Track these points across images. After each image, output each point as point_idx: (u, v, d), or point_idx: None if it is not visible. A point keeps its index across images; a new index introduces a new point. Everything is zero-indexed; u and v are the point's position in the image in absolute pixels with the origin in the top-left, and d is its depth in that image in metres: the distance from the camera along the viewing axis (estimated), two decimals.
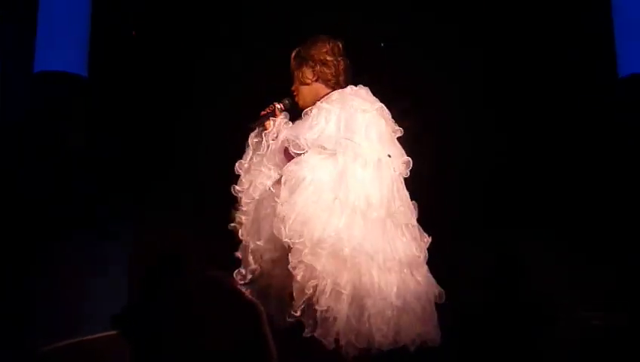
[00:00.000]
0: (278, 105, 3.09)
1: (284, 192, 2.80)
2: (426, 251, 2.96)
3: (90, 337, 2.80)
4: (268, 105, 3.10)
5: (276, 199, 2.80)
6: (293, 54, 3.15)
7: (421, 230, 2.97)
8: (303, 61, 3.11)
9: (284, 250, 2.78)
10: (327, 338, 2.70)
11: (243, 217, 2.98)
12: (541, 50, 4.06)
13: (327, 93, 3.07)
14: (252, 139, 3.08)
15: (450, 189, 3.81)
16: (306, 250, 2.71)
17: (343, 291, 2.69)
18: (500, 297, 3.31)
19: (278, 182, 2.89)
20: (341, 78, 3.09)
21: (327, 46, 3.11)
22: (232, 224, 3.01)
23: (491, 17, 4.06)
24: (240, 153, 3.14)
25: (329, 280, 2.69)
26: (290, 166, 2.87)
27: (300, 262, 2.71)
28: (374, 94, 3.10)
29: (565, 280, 3.73)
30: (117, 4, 3.80)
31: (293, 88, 3.13)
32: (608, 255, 3.75)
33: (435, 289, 2.94)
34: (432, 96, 3.98)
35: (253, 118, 3.11)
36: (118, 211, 3.66)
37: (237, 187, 3.02)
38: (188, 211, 3.83)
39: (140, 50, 3.87)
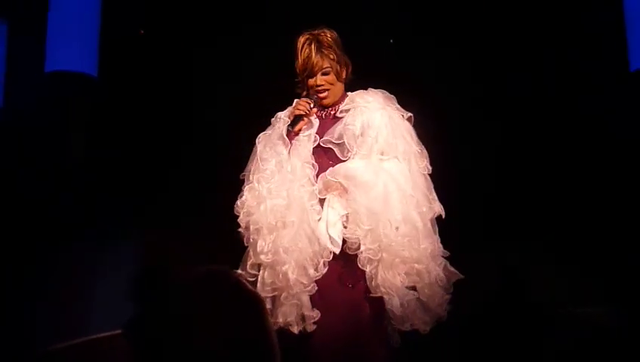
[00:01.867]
0: (310, 103, 2.90)
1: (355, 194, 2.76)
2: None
3: (93, 337, 2.84)
4: (297, 103, 2.92)
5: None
6: (314, 44, 2.91)
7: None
8: (339, 56, 2.93)
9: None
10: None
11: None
12: (550, 47, 4.02)
13: (345, 93, 2.97)
14: (271, 140, 2.95)
15: (450, 193, 3.81)
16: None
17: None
18: (500, 299, 3.32)
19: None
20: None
21: (339, 40, 2.96)
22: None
23: (499, 12, 4.03)
24: (246, 154, 3.15)
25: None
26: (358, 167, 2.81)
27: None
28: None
29: (564, 280, 3.73)
30: (126, 4, 3.81)
31: (321, 82, 2.90)
32: (611, 254, 3.75)
33: None
34: (433, 102, 3.97)
35: (262, 119, 3.09)
36: (122, 213, 3.69)
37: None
38: (192, 213, 3.85)
39: (149, 49, 3.88)
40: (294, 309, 2.73)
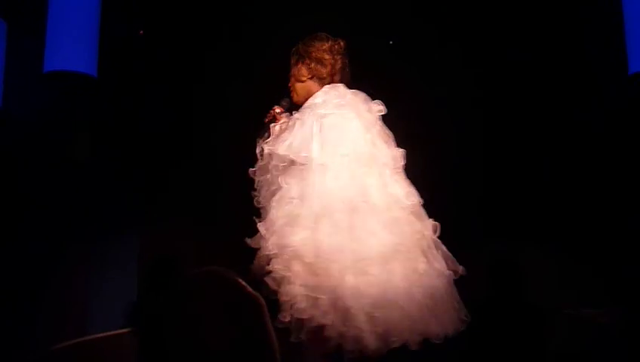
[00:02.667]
0: (277, 110, 3.09)
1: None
2: (431, 237, 2.90)
3: (98, 336, 2.83)
4: (268, 112, 3.09)
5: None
6: (292, 50, 3.15)
7: (422, 215, 2.93)
8: (299, 58, 3.11)
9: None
10: (313, 344, 2.71)
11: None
12: (550, 49, 4.03)
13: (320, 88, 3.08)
14: (259, 148, 3.04)
15: (447, 191, 3.81)
16: (277, 259, 2.73)
17: (319, 296, 2.67)
18: (497, 298, 3.31)
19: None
20: (336, 77, 3.10)
21: (326, 44, 3.11)
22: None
23: (498, 14, 4.04)
24: (247, 153, 3.15)
25: (301, 287, 2.69)
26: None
27: (272, 270, 2.73)
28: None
29: (561, 279, 3.73)
30: (125, 4, 3.80)
31: (289, 85, 3.13)
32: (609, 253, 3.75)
33: (441, 278, 2.84)
34: (430, 100, 3.97)
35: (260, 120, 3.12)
36: (125, 210, 3.68)
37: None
38: (195, 211, 3.84)
39: (148, 49, 3.88)
40: None
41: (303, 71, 3.10)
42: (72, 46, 3.63)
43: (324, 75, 3.08)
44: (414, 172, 3.02)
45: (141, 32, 3.82)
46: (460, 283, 2.95)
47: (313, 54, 3.08)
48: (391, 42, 4.06)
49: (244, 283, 1.53)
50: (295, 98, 3.13)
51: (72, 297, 3.41)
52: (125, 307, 2.94)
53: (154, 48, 3.87)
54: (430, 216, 2.98)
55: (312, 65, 3.08)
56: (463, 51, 4.02)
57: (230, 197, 3.66)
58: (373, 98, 3.08)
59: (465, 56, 4.02)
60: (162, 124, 3.87)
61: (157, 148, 3.86)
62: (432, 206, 3.01)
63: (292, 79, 3.14)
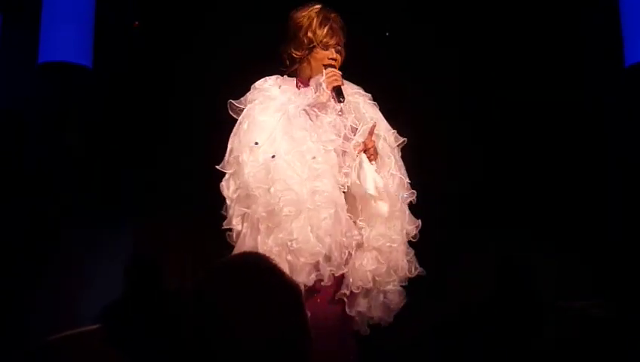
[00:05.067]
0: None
1: None
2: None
3: (92, 327, 2.82)
4: (332, 73, 2.88)
5: None
6: (338, 21, 2.95)
7: None
8: (344, 39, 2.98)
9: None
10: None
11: None
12: (545, 42, 4.03)
13: None
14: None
15: (447, 186, 3.81)
16: None
17: None
18: (499, 292, 3.31)
19: None
20: None
21: None
22: None
23: (492, 7, 4.04)
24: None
25: None
26: None
27: None
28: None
29: (560, 272, 3.73)
30: None
31: (336, 57, 2.92)
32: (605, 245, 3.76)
33: None
34: (424, 94, 3.97)
35: None
36: (120, 203, 3.67)
37: None
38: (191, 205, 3.83)
39: (144, 40, 3.86)
40: None
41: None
42: (66, 37, 3.63)
43: None
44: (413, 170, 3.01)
45: (136, 23, 3.80)
46: (459, 277, 2.96)
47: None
48: (387, 34, 4.05)
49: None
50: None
51: (65, 290, 3.40)
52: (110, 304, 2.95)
53: (150, 39, 3.84)
54: (425, 215, 3.00)
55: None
56: (455, 45, 3.99)
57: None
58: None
59: (459, 50, 4.01)
60: (159, 116, 3.85)
61: (153, 140, 3.84)
62: (426, 206, 3.01)
63: (340, 55, 2.95)
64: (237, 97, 3.20)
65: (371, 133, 2.84)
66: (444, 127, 3.95)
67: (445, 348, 2.95)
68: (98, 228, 3.51)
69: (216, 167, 2.81)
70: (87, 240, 3.50)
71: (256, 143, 2.71)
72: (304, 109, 2.82)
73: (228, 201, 2.78)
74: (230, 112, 2.89)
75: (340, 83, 2.85)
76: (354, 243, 2.73)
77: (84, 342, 2.76)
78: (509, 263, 3.41)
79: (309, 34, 2.91)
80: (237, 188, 2.76)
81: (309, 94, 2.86)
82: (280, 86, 2.91)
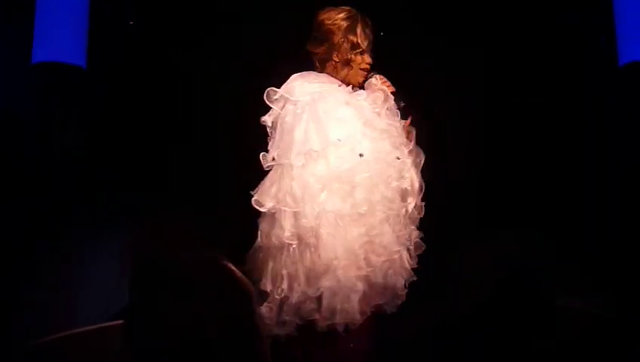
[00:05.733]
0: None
1: None
2: None
3: (87, 328, 2.79)
4: (381, 80, 3.01)
5: None
6: (370, 25, 3.02)
7: None
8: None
9: None
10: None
11: None
12: (538, 42, 4.04)
13: None
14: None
15: (446, 185, 3.80)
16: None
17: None
18: (499, 291, 3.30)
19: None
20: None
21: None
22: None
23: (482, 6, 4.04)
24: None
25: None
26: None
27: None
28: None
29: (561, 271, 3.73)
30: None
31: (371, 61, 3.03)
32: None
33: None
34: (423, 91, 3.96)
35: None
36: (117, 203, 3.63)
37: None
38: (189, 204, 3.80)
39: (139, 40, 3.83)
40: None
41: None
42: (60, 37, 3.58)
43: None
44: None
45: (131, 22, 3.76)
46: (458, 276, 2.94)
47: None
48: (382, 33, 4.04)
49: (234, 268, 1.49)
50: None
51: (60, 290, 3.36)
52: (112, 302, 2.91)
53: (145, 39, 3.81)
54: (425, 215, 3.01)
55: None
56: (450, 41, 3.99)
57: (226, 190, 3.63)
58: None
59: (453, 46, 4.00)
60: (154, 115, 3.81)
61: (150, 139, 3.80)
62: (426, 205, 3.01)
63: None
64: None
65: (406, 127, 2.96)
66: (442, 127, 3.94)
67: (445, 348, 2.94)
68: (97, 228, 3.47)
69: (268, 163, 2.85)
70: (85, 240, 3.47)
71: (339, 140, 2.76)
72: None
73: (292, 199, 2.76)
74: (266, 100, 2.87)
75: (394, 89, 2.96)
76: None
77: (81, 343, 2.72)
78: (510, 263, 3.40)
79: (351, 37, 2.94)
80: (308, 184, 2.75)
81: (371, 98, 2.88)
82: (324, 83, 2.95)
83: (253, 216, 2.92)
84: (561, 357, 3.07)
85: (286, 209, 2.72)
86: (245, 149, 3.12)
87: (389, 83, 2.96)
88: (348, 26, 2.94)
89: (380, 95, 2.92)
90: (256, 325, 1.43)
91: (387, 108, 2.93)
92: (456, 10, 4.04)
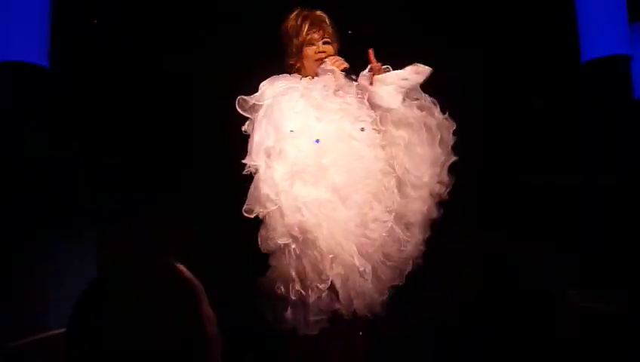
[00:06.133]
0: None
1: None
2: None
3: (58, 331, 2.74)
4: (334, 60, 3.04)
5: None
6: (315, 18, 3.09)
7: None
8: (333, 32, 3.13)
9: None
10: None
11: None
12: (501, 39, 4.08)
13: None
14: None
15: None
16: None
17: None
18: (490, 288, 3.32)
19: None
20: None
21: None
22: None
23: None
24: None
25: None
26: None
27: None
28: None
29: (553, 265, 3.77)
30: None
31: (324, 49, 3.07)
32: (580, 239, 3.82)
33: None
34: None
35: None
36: (84, 206, 3.58)
37: None
38: (156, 207, 3.75)
39: (104, 40, 3.77)
40: None
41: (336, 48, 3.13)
42: (20, 36, 3.50)
43: None
44: None
45: (95, 20, 3.70)
46: (450, 273, 2.96)
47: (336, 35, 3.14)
48: (350, 32, 4.04)
49: (180, 267, 1.46)
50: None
51: (30, 293, 3.29)
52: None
53: (109, 37, 3.75)
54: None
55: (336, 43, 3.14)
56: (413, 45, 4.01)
57: (193, 193, 3.61)
58: None
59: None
60: (122, 118, 3.76)
61: (116, 141, 3.75)
62: None
63: (331, 47, 3.10)
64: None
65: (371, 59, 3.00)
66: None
67: (443, 348, 2.96)
68: (61, 231, 3.42)
69: (244, 161, 2.86)
70: (50, 244, 3.40)
71: (292, 131, 2.81)
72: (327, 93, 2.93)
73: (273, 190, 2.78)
74: (239, 109, 2.91)
75: (346, 65, 3.00)
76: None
77: (48, 347, 2.68)
78: (505, 262, 3.44)
79: (295, 39, 3.07)
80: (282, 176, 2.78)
81: (322, 82, 2.92)
82: (288, 82, 3.02)
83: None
84: (560, 355, 3.10)
85: (266, 211, 2.73)
86: (215, 150, 3.10)
87: (340, 61, 3.01)
88: (292, 28, 3.09)
89: (330, 77, 2.96)
90: (203, 326, 1.39)
91: (340, 87, 2.98)
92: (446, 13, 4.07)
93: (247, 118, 2.95)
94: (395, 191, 2.90)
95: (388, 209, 2.84)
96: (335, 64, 3.00)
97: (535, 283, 3.37)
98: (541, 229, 3.88)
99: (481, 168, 3.93)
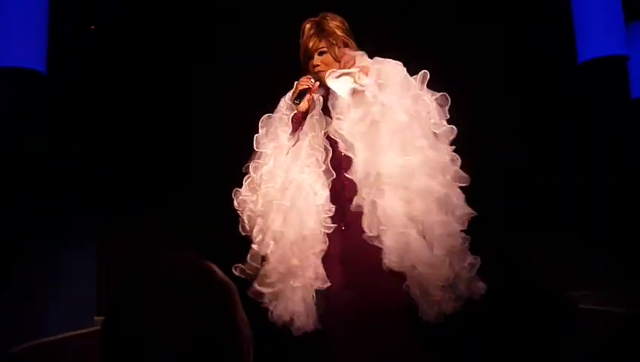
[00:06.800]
0: (312, 79, 3.00)
1: None
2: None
3: (57, 337, 2.72)
4: (300, 80, 3.00)
5: None
6: (314, 27, 3.04)
7: None
8: (336, 37, 3.03)
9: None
10: None
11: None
12: (497, 41, 4.09)
13: None
14: (273, 123, 2.99)
15: None
16: None
17: None
18: (511, 289, 3.30)
19: None
20: None
21: (346, 24, 3.09)
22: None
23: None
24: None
25: None
26: None
27: None
28: None
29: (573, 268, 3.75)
30: None
31: (317, 62, 3.01)
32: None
33: None
34: None
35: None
36: (82, 216, 3.56)
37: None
38: (156, 213, 3.74)
39: (100, 45, 3.76)
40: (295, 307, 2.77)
41: (337, 51, 3.03)
42: (18, 41, 3.49)
43: (340, 56, 3.06)
44: None
45: (92, 27, 3.69)
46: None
47: (340, 34, 3.05)
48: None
49: (214, 267, 1.44)
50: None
51: (30, 299, 3.26)
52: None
53: (105, 44, 3.74)
54: None
55: (340, 45, 3.04)
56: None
57: (194, 199, 3.59)
58: None
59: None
60: (119, 123, 3.75)
61: (116, 142, 3.74)
62: None
63: (326, 56, 3.02)
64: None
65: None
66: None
67: (445, 348, 2.93)
68: (61, 237, 3.39)
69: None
70: (49, 250, 3.38)
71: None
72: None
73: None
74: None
75: (304, 86, 2.97)
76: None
77: (48, 352, 2.65)
78: (513, 262, 3.43)
79: (300, 55, 3.07)
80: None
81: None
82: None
83: None
84: (562, 355, 3.07)
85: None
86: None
87: (304, 80, 3.00)
88: (300, 42, 3.08)
89: (294, 106, 3.02)
90: (233, 325, 1.37)
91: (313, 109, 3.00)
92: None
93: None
94: None
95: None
96: (295, 88, 3.01)
97: (536, 284, 3.35)
98: (541, 229, 3.88)
99: (479, 168, 3.92)
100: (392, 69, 2.96)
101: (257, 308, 2.75)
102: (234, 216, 2.92)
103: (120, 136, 3.75)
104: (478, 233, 2.95)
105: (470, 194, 3.05)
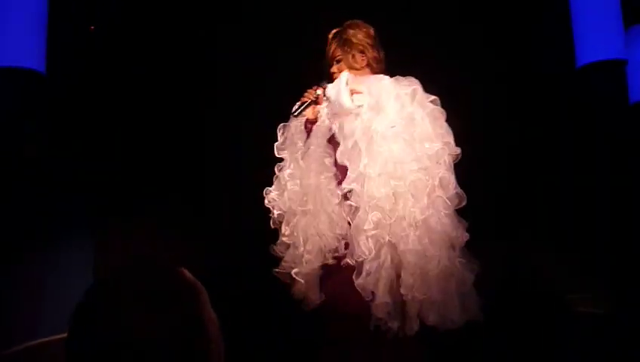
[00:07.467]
0: (319, 91, 3.06)
1: None
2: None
3: (50, 338, 2.72)
4: (307, 90, 3.07)
5: None
6: (335, 36, 3.12)
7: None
8: (352, 45, 3.10)
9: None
10: None
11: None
12: (495, 44, 4.10)
13: None
14: (290, 131, 3.08)
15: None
16: None
17: None
18: (511, 289, 3.31)
19: None
20: (382, 66, 3.13)
21: (371, 32, 3.15)
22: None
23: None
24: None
25: None
26: None
27: None
28: None
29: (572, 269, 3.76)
30: None
31: (335, 70, 3.10)
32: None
33: None
34: None
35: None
36: (81, 212, 3.56)
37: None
38: (153, 213, 3.74)
39: (99, 46, 3.77)
40: (302, 288, 2.92)
41: (359, 58, 3.10)
42: (17, 41, 3.49)
43: (375, 64, 3.13)
44: None
45: (92, 27, 3.70)
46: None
47: (364, 42, 3.11)
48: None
49: (183, 270, 1.47)
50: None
51: (29, 299, 3.27)
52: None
53: (105, 44, 3.75)
54: None
55: (368, 53, 3.11)
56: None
57: (193, 193, 3.59)
58: None
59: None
60: (117, 123, 3.75)
61: (115, 143, 3.74)
62: None
63: (341, 65, 3.11)
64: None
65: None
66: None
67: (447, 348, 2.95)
68: (57, 237, 3.39)
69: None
70: (45, 250, 3.38)
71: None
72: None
73: None
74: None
75: (306, 99, 3.06)
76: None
77: (41, 354, 2.66)
78: (513, 263, 3.43)
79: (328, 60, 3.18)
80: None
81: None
82: None
83: None
84: (563, 355, 3.09)
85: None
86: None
87: (308, 93, 3.10)
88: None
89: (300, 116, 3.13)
90: (205, 328, 1.40)
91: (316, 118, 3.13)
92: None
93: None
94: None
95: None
96: (303, 97, 3.11)
97: (537, 286, 3.37)
98: (541, 230, 3.89)
99: (477, 172, 3.92)
100: (383, 89, 3.01)
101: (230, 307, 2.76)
102: (234, 216, 2.95)
103: (120, 136, 3.75)
104: (478, 237, 2.96)
105: (469, 195, 3.07)
